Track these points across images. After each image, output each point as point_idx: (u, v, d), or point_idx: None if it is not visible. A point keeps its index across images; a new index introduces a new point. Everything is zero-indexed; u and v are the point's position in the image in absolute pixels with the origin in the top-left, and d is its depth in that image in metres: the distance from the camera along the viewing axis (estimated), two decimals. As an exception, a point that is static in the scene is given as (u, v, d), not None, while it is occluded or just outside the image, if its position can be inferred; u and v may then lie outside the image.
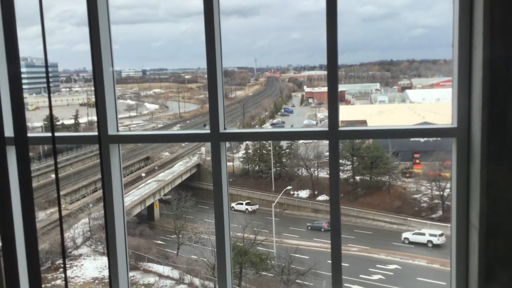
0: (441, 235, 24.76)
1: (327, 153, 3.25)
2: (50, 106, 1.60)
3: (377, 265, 25.47)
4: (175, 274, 25.17)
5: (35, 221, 1.48)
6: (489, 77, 2.62)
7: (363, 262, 25.48)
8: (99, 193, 30.54)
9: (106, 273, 24.59)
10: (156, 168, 34.33)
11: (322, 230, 26.78)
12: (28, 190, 1.45)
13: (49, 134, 2.22)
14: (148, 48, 47.60)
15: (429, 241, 24.49)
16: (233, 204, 29.36)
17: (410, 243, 24.85)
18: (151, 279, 24.87)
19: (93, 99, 38.84)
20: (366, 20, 40.81)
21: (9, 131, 1.62)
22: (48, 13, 38.66)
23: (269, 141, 31.50)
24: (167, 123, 40.32)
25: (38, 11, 1.52)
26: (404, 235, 25.33)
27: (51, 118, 1.63)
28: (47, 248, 23.87)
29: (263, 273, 24.78)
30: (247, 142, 31.76)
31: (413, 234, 25.05)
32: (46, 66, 1.61)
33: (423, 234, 24.79)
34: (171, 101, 43.76)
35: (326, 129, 3.12)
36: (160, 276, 25.07)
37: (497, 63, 2.60)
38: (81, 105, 39.42)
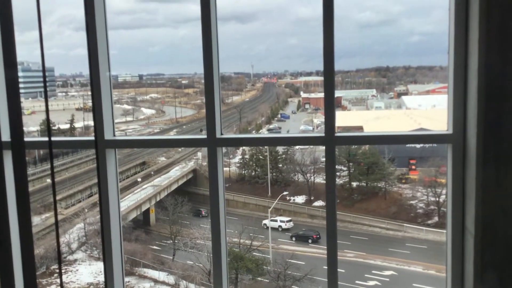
0: (288, 221, 28.87)
1: (324, 159, 3.26)
2: (47, 111, 1.60)
3: (373, 271, 25.45)
4: (171, 279, 25.08)
5: (31, 226, 1.48)
6: (484, 84, 2.64)
7: (359, 268, 25.46)
8: (95, 198, 30.46)
9: (101, 278, 24.49)
10: (152, 173, 34.26)
11: (200, 216, 29.91)
12: (24, 195, 1.45)
13: (46, 139, 2.23)
14: (145, 53, 47.71)
15: (279, 226, 28.55)
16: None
17: (267, 228, 28.16)
18: (146, 284, 24.76)
19: (89, 103, 38.82)
20: (363, 26, 40.99)
21: (5, 135, 1.62)
22: (48, 17, 38.65)
23: (266, 147, 31.50)
24: (164, 128, 40.28)
25: (36, 16, 1.53)
26: (264, 221, 28.81)
27: (48, 123, 1.63)
28: (42, 253, 23.76)
29: (259, 278, 24.73)
30: (244, 147, 31.77)
31: (270, 220, 28.64)
32: (44, 71, 1.62)
33: (276, 220, 28.80)
34: (168, 106, 43.74)
35: (323, 134, 3.13)
36: (156, 281, 24.97)
37: (492, 70, 2.62)
38: (77, 109, 39.34)
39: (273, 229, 28.28)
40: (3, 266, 1.46)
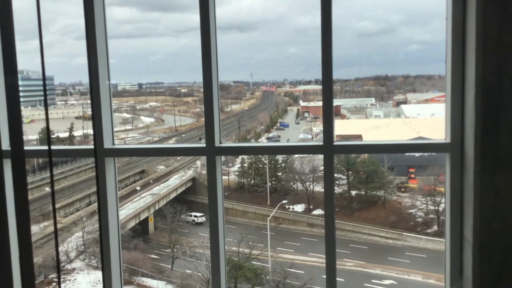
0: (201, 216, 31.20)
1: (323, 167, 3.27)
2: (47, 120, 1.61)
3: (373, 280, 25.35)
4: (170, 288, 24.98)
5: (31, 235, 1.48)
6: (481, 93, 2.65)
7: (358, 277, 25.37)
8: (93, 206, 30.39)
9: (99, 287, 24.37)
10: (151, 181, 34.21)
11: (193, 223, 31.30)
12: (23, 204, 1.45)
13: (46, 147, 2.23)
14: (146, 62, 47.86)
15: (193, 220, 31.17)
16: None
17: (186, 222, 30.88)
18: (145, 293, 24.66)
19: (88, 112, 38.86)
20: (362, 36, 41.16)
21: (5, 144, 1.63)
22: (50, 26, 38.80)
23: (265, 155, 31.48)
24: (163, 136, 40.28)
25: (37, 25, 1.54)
26: (189, 218, 31.46)
27: (48, 132, 1.64)
28: (40, 262, 23.66)
29: (258, 288, 24.65)
30: (243, 156, 31.76)
31: (185, 215, 31.08)
32: (44, 80, 1.63)
33: (191, 215, 31.43)
34: (167, 114, 43.78)
35: (321, 143, 3.14)
36: (154, 290, 24.86)
37: (489, 79, 2.64)
38: (76, 118, 39.34)
39: (188, 222, 30.96)
40: (2, 275, 1.46)
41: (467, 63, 2.84)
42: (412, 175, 30.86)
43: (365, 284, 24.97)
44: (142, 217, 30.39)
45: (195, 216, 31.22)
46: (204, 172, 32.26)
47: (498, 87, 2.62)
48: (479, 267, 2.72)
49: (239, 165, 34.10)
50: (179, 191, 33.00)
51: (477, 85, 2.66)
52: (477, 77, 2.66)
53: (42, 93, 39.15)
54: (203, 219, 31.04)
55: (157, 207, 31.42)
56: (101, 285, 23.75)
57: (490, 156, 2.65)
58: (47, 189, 30.25)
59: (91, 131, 35.59)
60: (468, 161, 2.83)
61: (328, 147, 3.12)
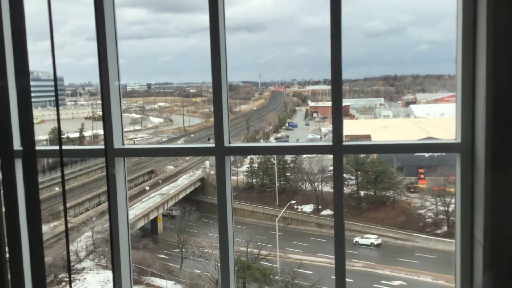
0: (176, 210, 31.78)
1: (331, 168, 3.27)
2: (59, 121, 1.62)
3: (382, 281, 25.25)
4: (178, 288, 25.05)
5: (42, 233, 1.49)
6: (492, 92, 2.64)
7: (367, 278, 25.28)
8: (103, 206, 30.55)
9: (108, 287, 24.49)
10: (160, 181, 34.33)
11: (169, 216, 31.91)
12: (35, 202, 1.46)
13: (57, 147, 2.25)
14: (155, 62, 48.00)
15: (168, 213, 31.79)
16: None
17: (164, 215, 31.63)
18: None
19: (98, 112, 39.06)
20: (371, 35, 40.95)
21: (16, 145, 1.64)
22: (61, 27, 39.02)
23: (274, 155, 31.46)
24: (172, 136, 40.39)
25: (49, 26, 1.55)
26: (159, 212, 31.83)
27: (59, 132, 1.65)
28: (50, 261, 23.82)
29: (267, 288, 24.65)
30: (252, 156, 31.76)
31: (164, 210, 31.78)
32: (55, 81, 1.64)
33: (168, 209, 32.02)
34: (176, 114, 43.89)
35: (331, 143, 3.13)
36: (163, 290, 24.94)
37: (500, 78, 2.62)
38: (86, 118, 39.54)
39: (164, 216, 31.68)
40: (14, 272, 1.47)
41: (477, 62, 2.82)
42: (422, 176, 30.68)
43: (374, 285, 24.87)
44: (151, 217, 30.53)
45: (170, 210, 31.78)
46: (213, 172, 32.34)
47: (509, 87, 2.60)
48: (490, 267, 2.70)
49: (248, 165, 34.12)
50: (188, 191, 33.09)
51: (488, 84, 2.64)
52: (488, 76, 2.64)
53: (51, 93, 39.43)
54: (177, 212, 31.57)
55: (166, 207, 31.55)
56: (111, 284, 23.90)
57: (502, 156, 2.63)
58: (57, 189, 30.46)
59: (100, 132, 35.78)
60: (479, 161, 2.81)
61: (338, 147, 3.12)
